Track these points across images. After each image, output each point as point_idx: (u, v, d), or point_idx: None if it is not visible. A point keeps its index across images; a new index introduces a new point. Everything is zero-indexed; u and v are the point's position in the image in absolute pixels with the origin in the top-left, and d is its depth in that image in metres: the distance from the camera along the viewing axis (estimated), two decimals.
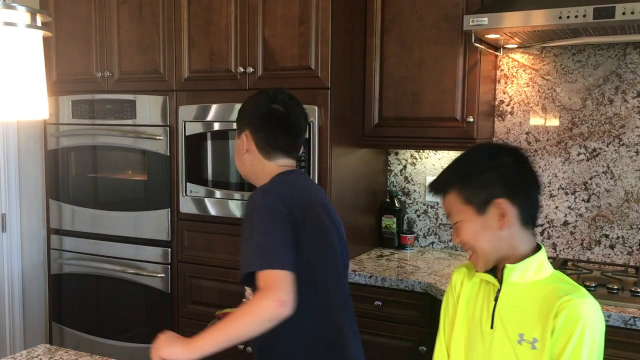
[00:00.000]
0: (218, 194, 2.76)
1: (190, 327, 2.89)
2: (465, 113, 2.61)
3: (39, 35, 1.02)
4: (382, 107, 2.81)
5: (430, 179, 3.03)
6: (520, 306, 1.37)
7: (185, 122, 2.80)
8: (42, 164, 3.34)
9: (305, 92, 2.56)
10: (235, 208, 2.72)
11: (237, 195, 2.72)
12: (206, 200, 2.79)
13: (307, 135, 2.53)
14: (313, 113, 2.53)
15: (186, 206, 2.84)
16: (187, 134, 2.81)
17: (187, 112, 2.80)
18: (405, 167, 3.11)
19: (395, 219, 3.04)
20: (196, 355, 1.50)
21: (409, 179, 3.10)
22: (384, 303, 2.52)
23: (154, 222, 2.93)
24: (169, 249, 2.92)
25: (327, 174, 2.56)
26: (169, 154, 2.87)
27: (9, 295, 3.34)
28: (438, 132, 2.67)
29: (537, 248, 1.42)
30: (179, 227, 2.90)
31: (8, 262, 3.33)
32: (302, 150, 1.92)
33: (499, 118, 2.87)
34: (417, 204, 3.10)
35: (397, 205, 3.06)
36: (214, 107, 2.73)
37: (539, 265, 1.39)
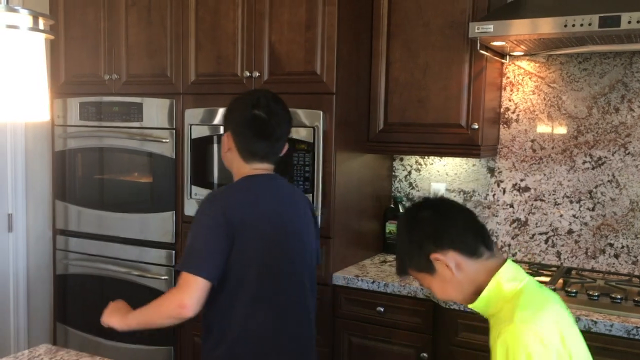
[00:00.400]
0: None
1: (194, 330, 2.91)
2: (470, 120, 2.60)
3: (41, 38, 1.03)
4: (388, 113, 2.81)
5: (435, 185, 3.04)
6: None
7: (191, 125, 2.82)
8: (49, 165, 3.36)
9: (310, 97, 2.58)
10: None
11: None
12: None
13: (311, 140, 2.54)
14: (318, 118, 2.53)
15: (191, 209, 2.85)
16: (192, 137, 2.82)
17: (193, 115, 2.82)
18: (410, 173, 3.11)
19: None
20: (125, 328, 1.82)
21: (414, 185, 3.10)
22: (386, 309, 2.52)
23: (159, 225, 2.95)
24: (173, 252, 2.93)
25: (331, 178, 2.57)
26: (174, 157, 2.89)
27: (14, 295, 3.36)
28: (443, 139, 2.67)
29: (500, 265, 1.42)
30: (184, 230, 2.91)
31: (14, 262, 3.35)
32: (283, 151, 2.00)
33: (505, 125, 2.86)
34: None
35: (401, 211, 3.06)
36: (219, 111, 2.74)
37: (497, 291, 1.39)
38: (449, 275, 1.42)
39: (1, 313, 3.31)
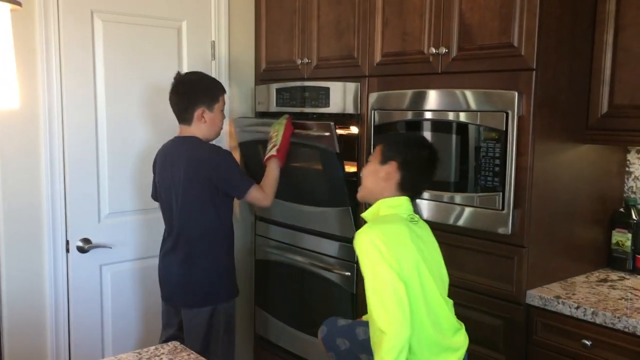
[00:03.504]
0: None
1: None
2: None
3: (5, 9, 0.86)
4: (614, 92, 2.20)
5: None
6: None
7: (374, 110, 2.56)
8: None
9: (505, 75, 2.13)
10: (424, 209, 2.40)
11: (425, 194, 2.38)
12: None
13: (502, 127, 2.09)
14: (512, 100, 2.07)
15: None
16: (375, 123, 2.56)
17: (376, 99, 2.55)
18: None
19: (630, 235, 2.39)
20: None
21: None
22: (595, 343, 1.97)
23: (338, 219, 2.76)
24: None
25: (526, 174, 2.08)
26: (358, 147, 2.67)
27: None
28: None
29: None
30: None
31: None
32: (194, 114, 2.51)
33: None
34: None
35: (634, 217, 2.40)
36: (405, 94, 2.43)
37: (377, 208, 1.93)
38: (382, 175, 1.92)
39: None
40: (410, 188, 1.93)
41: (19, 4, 0.87)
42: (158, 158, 2.64)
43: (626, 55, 2.16)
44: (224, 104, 2.63)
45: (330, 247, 2.85)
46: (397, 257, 1.74)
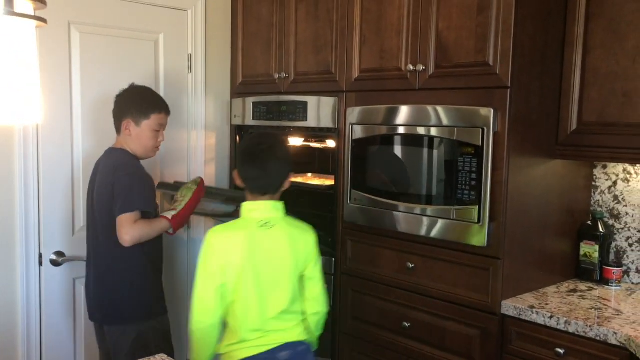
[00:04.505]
0: (384, 204, 2.51)
1: (349, 343, 2.71)
2: None
3: (31, 26, 0.87)
4: (583, 110, 2.30)
5: None
6: None
7: (352, 125, 2.61)
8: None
9: (480, 93, 2.21)
10: (400, 221, 2.45)
11: (402, 207, 2.44)
12: (371, 209, 2.56)
13: (479, 143, 2.16)
14: (487, 116, 2.15)
15: (351, 215, 2.64)
16: (353, 137, 2.61)
17: (354, 114, 2.61)
18: (615, 183, 2.53)
19: (597, 247, 2.49)
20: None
21: (620, 199, 2.52)
22: (568, 352, 2.05)
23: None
24: (333, 259, 2.76)
25: (501, 188, 2.16)
26: (335, 159, 2.71)
27: None
28: None
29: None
30: (344, 236, 2.72)
31: None
32: (122, 124, 2.46)
33: None
34: (629, 230, 2.50)
35: (601, 229, 2.50)
36: (382, 109, 2.49)
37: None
38: (238, 183, 2.12)
39: None
40: (250, 187, 2.08)
41: (45, 21, 0.88)
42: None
43: (594, 75, 2.27)
44: (159, 124, 2.48)
45: None
46: (218, 258, 2.00)
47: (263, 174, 2.05)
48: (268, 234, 2.03)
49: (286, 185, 2.11)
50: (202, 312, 2.01)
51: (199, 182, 2.60)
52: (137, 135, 2.45)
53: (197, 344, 2.04)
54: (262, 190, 2.08)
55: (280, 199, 2.11)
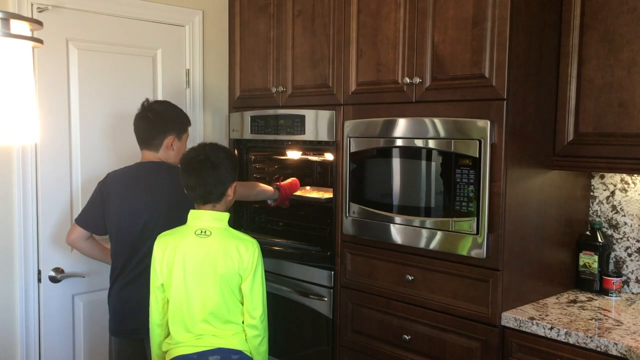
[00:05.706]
0: (382, 216, 2.51)
1: (349, 356, 2.70)
2: None
3: (27, 47, 0.88)
4: (579, 121, 2.31)
5: None
6: None
7: (350, 137, 2.62)
8: None
9: (476, 105, 2.22)
10: (399, 234, 2.45)
11: (400, 219, 2.44)
12: (370, 222, 2.56)
13: (476, 154, 2.17)
14: (484, 128, 2.16)
15: (349, 228, 2.64)
16: (351, 150, 2.62)
17: (352, 127, 2.62)
18: (613, 193, 2.54)
19: (596, 257, 2.49)
20: None
21: (618, 209, 2.52)
22: None
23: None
24: (332, 272, 2.76)
25: (500, 199, 2.16)
26: (333, 172, 2.72)
27: None
28: None
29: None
30: (343, 249, 2.72)
31: None
32: (164, 142, 2.55)
33: None
34: (628, 240, 2.50)
35: (600, 239, 2.50)
36: (379, 122, 2.50)
37: None
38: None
39: None
40: (190, 196, 2.22)
41: (41, 42, 0.88)
42: (115, 186, 2.51)
43: (590, 86, 2.28)
44: (188, 135, 2.68)
45: (307, 273, 2.87)
46: (159, 260, 2.20)
47: (199, 183, 2.16)
48: (203, 241, 2.17)
49: (230, 193, 2.23)
50: (151, 310, 2.26)
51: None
52: (179, 149, 2.58)
53: (151, 341, 2.29)
54: (202, 199, 2.21)
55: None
